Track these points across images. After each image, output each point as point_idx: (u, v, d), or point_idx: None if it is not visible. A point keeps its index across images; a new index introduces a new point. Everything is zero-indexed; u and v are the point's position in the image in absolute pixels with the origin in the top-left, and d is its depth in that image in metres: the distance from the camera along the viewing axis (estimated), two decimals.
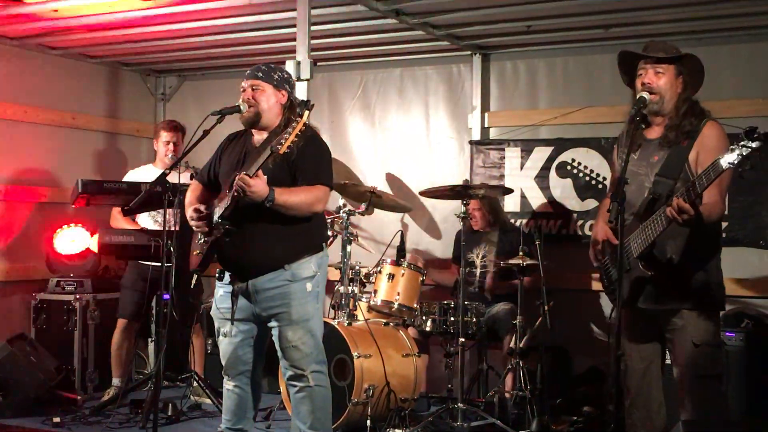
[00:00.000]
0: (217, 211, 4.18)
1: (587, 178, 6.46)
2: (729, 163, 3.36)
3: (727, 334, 5.22)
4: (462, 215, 5.52)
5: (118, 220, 6.28)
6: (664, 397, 4.04)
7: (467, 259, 5.82)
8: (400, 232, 6.18)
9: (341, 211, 5.87)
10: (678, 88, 3.90)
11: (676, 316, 3.82)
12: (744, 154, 3.32)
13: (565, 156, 6.54)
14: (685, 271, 3.78)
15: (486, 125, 6.87)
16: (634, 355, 3.96)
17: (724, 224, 5.72)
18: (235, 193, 3.99)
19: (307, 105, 4.09)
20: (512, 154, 6.71)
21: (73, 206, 5.96)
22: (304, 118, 4.00)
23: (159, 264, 4.88)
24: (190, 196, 4.47)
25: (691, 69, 3.95)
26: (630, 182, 3.72)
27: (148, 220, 6.27)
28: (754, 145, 3.31)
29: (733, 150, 3.35)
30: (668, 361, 4.19)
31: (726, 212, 5.36)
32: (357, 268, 5.84)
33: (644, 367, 3.99)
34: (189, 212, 4.28)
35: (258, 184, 3.97)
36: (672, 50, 3.97)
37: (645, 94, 3.85)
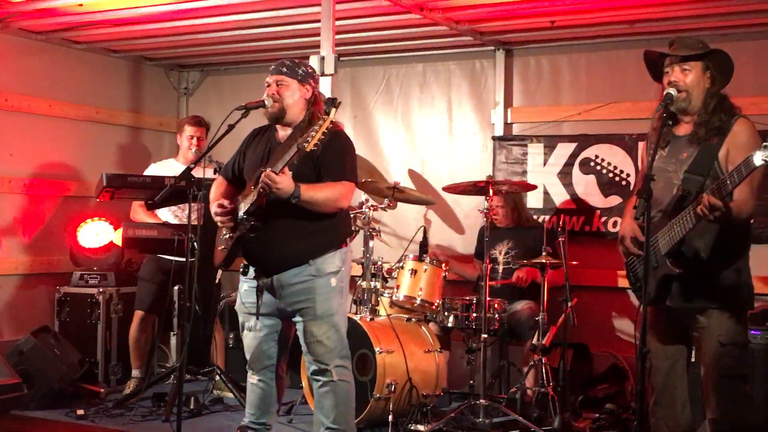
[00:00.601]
0: (242, 207, 4.19)
1: (611, 175, 6.43)
2: (763, 159, 3.32)
3: (752, 332, 5.15)
4: (485, 211, 5.50)
5: (138, 213, 6.31)
6: (688, 396, 4.01)
7: (490, 256, 5.80)
8: (422, 228, 6.18)
9: (364, 207, 5.87)
10: (706, 84, 3.86)
11: (703, 314, 3.79)
12: None
13: (589, 152, 6.51)
14: (714, 269, 3.75)
15: (509, 121, 6.85)
16: (659, 353, 3.93)
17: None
18: (261, 190, 4.00)
19: (333, 103, 4.08)
20: (535, 150, 6.69)
21: (97, 200, 5.99)
22: (331, 115, 3.99)
23: (182, 258, 4.89)
24: (214, 192, 4.48)
25: (719, 64, 3.91)
26: (657, 179, 3.68)
27: (168, 215, 6.29)
28: None
29: (766, 147, 3.32)
30: (693, 359, 4.17)
31: None
32: (379, 263, 5.85)
33: (669, 365, 3.96)
34: (214, 208, 4.30)
35: (284, 181, 3.97)
36: (698, 45, 3.92)
37: (672, 90, 3.81)
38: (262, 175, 3.97)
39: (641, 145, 4.24)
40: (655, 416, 3.96)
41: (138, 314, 6.31)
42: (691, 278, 3.75)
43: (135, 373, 6.32)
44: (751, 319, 5.28)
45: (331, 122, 3.99)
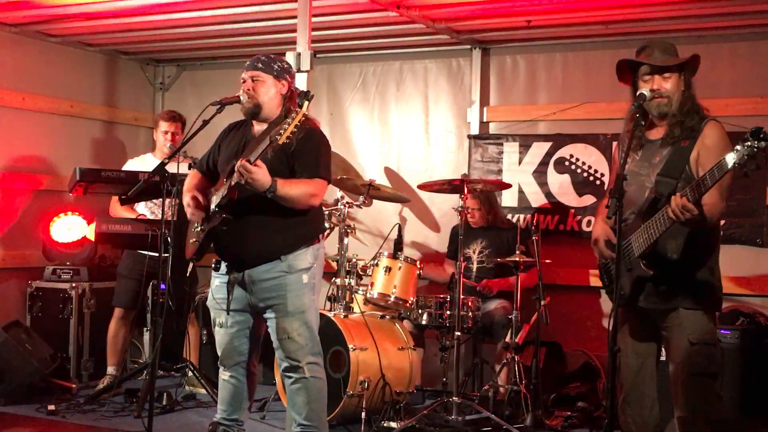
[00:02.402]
0: (215, 200, 4.19)
1: (585, 174, 6.46)
2: (735, 162, 3.35)
3: (723, 332, 5.23)
4: (460, 209, 5.52)
5: (116, 208, 6.27)
6: (657, 395, 4.04)
7: (464, 255, 5.81)
8: (397, 226, 6.18)
9: (339, 204, 5.86)
10: (681, 87, 3.91)
11: (673, 313, 3.82)
12: (750, 154, 3.32)
13: (564, 152, 6.54)
14: (686, 270, 3.79)
15: (485, 120, 6.87)
16: (629, 351, 3.96)
17: (721, 222, 5.72)
18: (235, 180, 3.99)
19: (307, 96, 4.09)
20: (511, 149, 6.71)
21: (71, 194, 5.95)
22: (304, 108, 3.99)
23: (156, 253, 4.87)
24: (188, 183, 4.47)
25: (692, 66, 3.95)
26: (630, 182, 3.72)
27: (145, 210, 6.27)
28: (761, 145, 3.30)
29: (738, 150, 3.35)
30: (663, 358, 4.20)
31: None
32: (354, 260, 5.85)
33: (639, 364, 3.99)
34: (186, 199, 4.29)
35: (259, 173, 3.96)
36: (672, 50, 3.97)
37: (645, 91, 3.84)
38: (238, 163, 3.96)
39: (615, 145, 4.25)
40: (624, 414, 3.99)
41: (117, 311, 6.25)
42: (664, 279, 3.79)
43: (110, 370, 6.27)
44: (721, 318, 5.37)
45: (305, 115, 3.98)
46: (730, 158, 3.37)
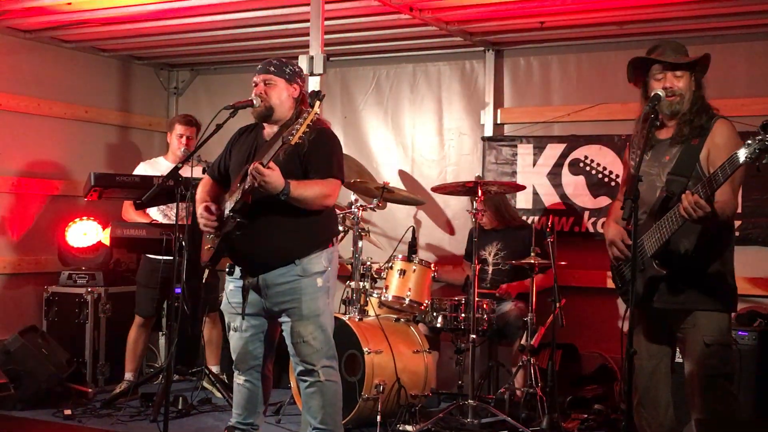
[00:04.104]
0: (228, 205, 4.19)
1: (600, 176, 6.43)
2: (746, 157, 3.33)
3: (740, 333, 5.20)
4: (473, 212, 5.50)
5: (129, 212, 6.29)
6: (672, 397, 4.02)
7: (479, 257, 5.80)
8: (411, 228, 6.17)
9: (353, 207, 5.86)
10: (692, 86, 3.90)
11: (688, 315, 3.80)
12: (762, 148, 3.29)
13: (578, 153, 6.51)
14: (700, 270, 3.77)
15: (499, 122, 6.85)
16: (643, 353, 3.93)
17: (738, 223, 5.69)
18: (248, 184, 3.98)
19: (318, 96, 4.07)
20: (525, 150, 6.69)
21: (86, 199, 5.98)
22: (315, 108, 3.99)
23: (170, 258, 4.88)
24: (200, 193, 4.45)
25: (703, 66, 3.94)
26: (642, 181, 3.70)
27: (157, 214, 6.28)
28: None
29: (750, 144, 3.33)
30: (678, 360, 4.18)
31: (739, 210, 5.33)
32: (368, 263, 5.84)
33: (653, 365, 3.97)
34: (200, 210, 4.28)
35: (272, 175, 3.96)
36: (683, 50, 3.96)
37: (660, 91, 3.83)
38: (251, 167, 3.96)
39: (627, 147, 4.23)
40: (639, 417, 3.97)
41: (138, 319, 6.25)
42: (677, 279, 3.77)
43: (128, 376, 6.26)
44: (738, 320, 5.34)
45: (316, 115, 3.98)
46: (742, 153, 3.36)
